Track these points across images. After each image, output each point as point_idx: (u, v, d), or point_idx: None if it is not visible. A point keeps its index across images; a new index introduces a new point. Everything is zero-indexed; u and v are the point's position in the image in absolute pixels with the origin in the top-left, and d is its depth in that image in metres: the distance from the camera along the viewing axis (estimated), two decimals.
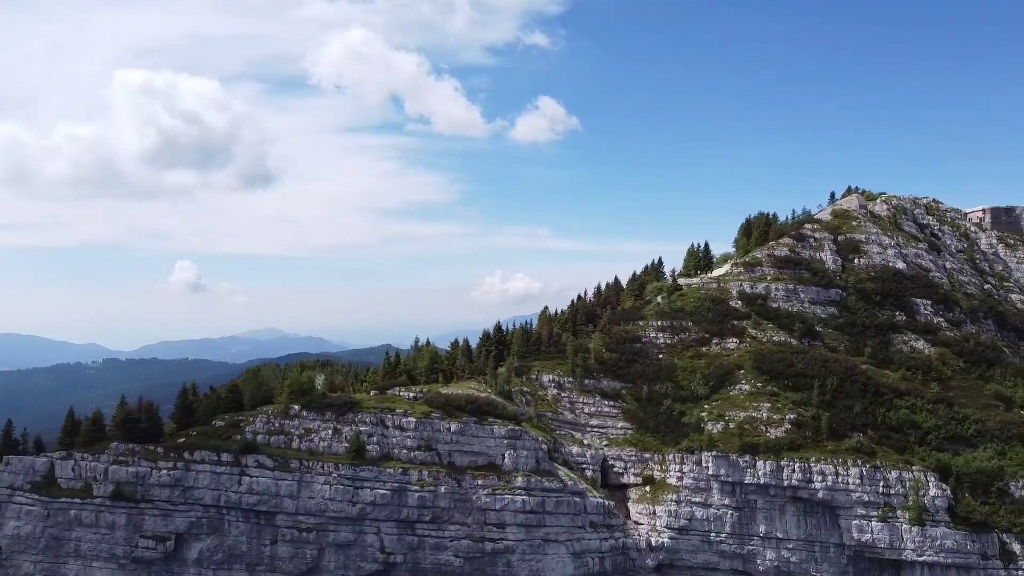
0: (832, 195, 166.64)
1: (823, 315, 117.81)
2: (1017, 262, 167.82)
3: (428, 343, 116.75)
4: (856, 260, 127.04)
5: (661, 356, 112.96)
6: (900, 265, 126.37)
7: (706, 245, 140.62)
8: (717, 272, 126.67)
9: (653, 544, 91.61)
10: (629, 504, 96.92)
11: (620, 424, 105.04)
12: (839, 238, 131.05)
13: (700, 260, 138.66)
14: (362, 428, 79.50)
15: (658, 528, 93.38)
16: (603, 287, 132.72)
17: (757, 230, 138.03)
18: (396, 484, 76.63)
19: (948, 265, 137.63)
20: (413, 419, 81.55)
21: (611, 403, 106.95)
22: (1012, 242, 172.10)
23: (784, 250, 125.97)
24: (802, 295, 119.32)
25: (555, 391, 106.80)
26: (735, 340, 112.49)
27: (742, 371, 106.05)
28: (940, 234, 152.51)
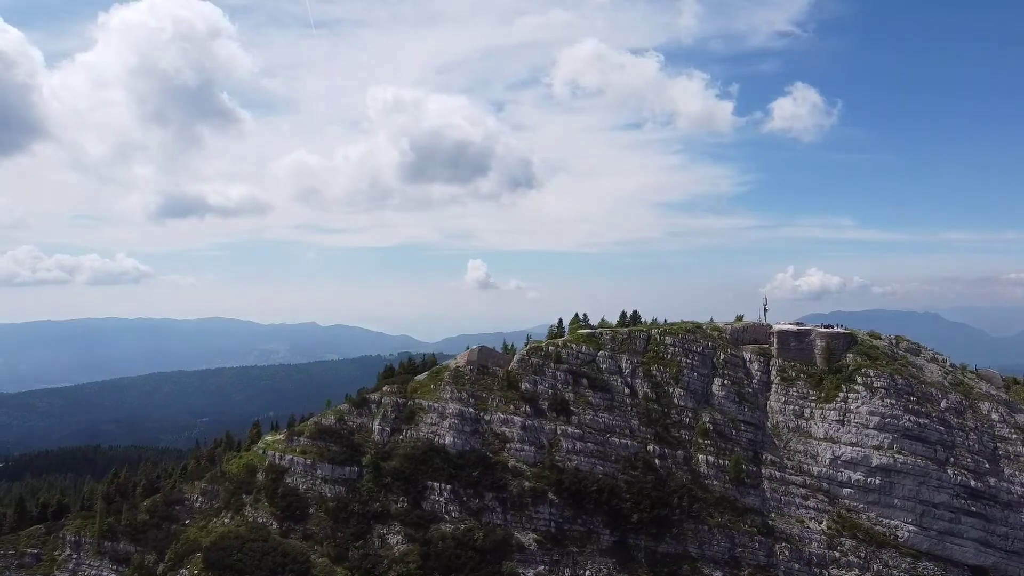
0: (560, 321, 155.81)
1: (329, 495, 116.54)
2: (784, 402, 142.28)
3: None
4: (405, 432, 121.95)
5: (187, 523, 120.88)
6: (447, 440, 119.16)
7: None
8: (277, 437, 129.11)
9: None
10: None
11: None
12: (409, 403, 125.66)
13: None
14: None
15: None
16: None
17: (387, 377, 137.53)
18: None
19: (564, 429, 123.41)
20: None
21: (117, 568, 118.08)
22: (792, 374, 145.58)
23: (332, 419, 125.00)
24: (319, 472, 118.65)
25: (69, 551, 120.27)
26: (229, 516, 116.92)
27: (197, 555, 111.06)
28: (630, 379, 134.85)
